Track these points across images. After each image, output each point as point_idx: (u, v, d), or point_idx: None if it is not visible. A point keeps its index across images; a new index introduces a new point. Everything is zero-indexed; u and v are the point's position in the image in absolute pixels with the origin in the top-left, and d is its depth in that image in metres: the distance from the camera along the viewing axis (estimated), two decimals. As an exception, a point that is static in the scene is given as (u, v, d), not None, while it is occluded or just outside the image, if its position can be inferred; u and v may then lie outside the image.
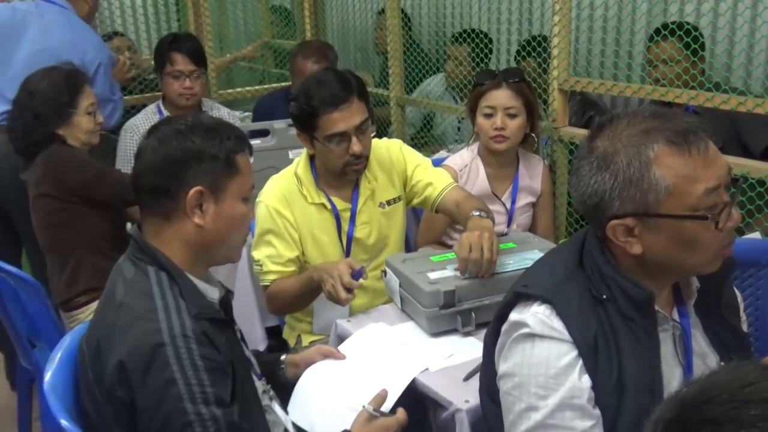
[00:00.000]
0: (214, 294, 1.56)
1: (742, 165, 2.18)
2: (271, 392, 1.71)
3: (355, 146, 2.12)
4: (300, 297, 2.16)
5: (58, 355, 1.58)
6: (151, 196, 1.50)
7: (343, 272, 1.95)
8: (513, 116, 2.47)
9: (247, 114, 3.91)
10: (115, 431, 1.42)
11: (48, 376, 1.53)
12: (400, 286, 2.04)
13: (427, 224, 2.61)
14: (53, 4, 3.09)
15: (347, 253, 2.28)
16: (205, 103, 3.58)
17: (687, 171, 1.19)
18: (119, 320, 1.41)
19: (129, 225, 2.68)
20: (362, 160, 2.18)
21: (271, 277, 2.21)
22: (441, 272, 1.99)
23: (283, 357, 1.85)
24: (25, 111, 2.55)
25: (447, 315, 1.92)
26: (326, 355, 1.83)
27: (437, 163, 2.54)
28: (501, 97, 2.47)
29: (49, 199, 2.55)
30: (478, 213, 2.10)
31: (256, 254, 2.23)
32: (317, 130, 2.12)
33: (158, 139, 1.50)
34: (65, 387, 1.53)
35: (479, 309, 1.93)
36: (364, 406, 1.59)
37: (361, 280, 1.96)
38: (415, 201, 2.36)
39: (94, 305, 2.37)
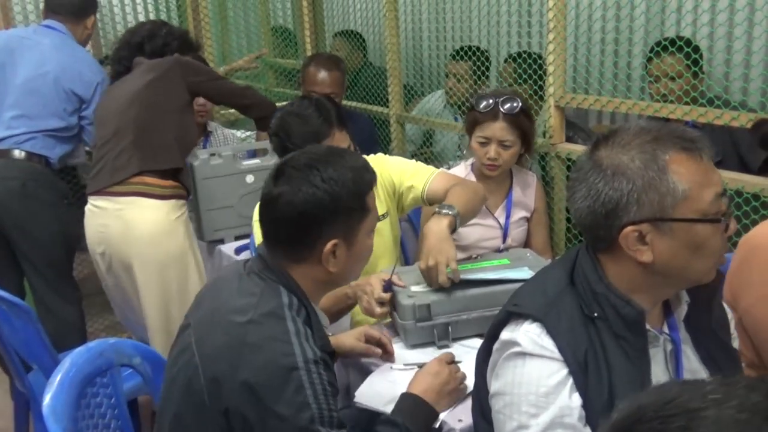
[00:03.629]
0: (326, 322, 1.61)
1: (738, 180, 2.18)
2: None
3: None
4: (331, 313, 2.15)
5: (58, 377, 1.59)
6: (285, 245, 1.53)
7: (376, 287, 1.99)
8: (507, 147, 2.47)
9: (249, 134, 3.92)
10: None
11: (47, 399, 1.54)
12: None
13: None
14: (51, 29, 3.12)
15: None
16: (210, 124, 3.62)
17: (699, 176, 1.23)
18: (249, 337, 1.43)
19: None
20: None
21: None
22: (423, 285, 2.01)
23: None
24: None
25: (424, 328, 1.94)
26: (368, 340, 1.90)
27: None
28: (496, 129, 2.45)
29: (167, 86, 2.76)
30: (437, 210, 2.06)
31: None
32: None
33: (290, 186, 1.50)
34: (64, 410, 1.54)
35: (456, 323, 1.95)
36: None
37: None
38: (407, 205, 2.36)
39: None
